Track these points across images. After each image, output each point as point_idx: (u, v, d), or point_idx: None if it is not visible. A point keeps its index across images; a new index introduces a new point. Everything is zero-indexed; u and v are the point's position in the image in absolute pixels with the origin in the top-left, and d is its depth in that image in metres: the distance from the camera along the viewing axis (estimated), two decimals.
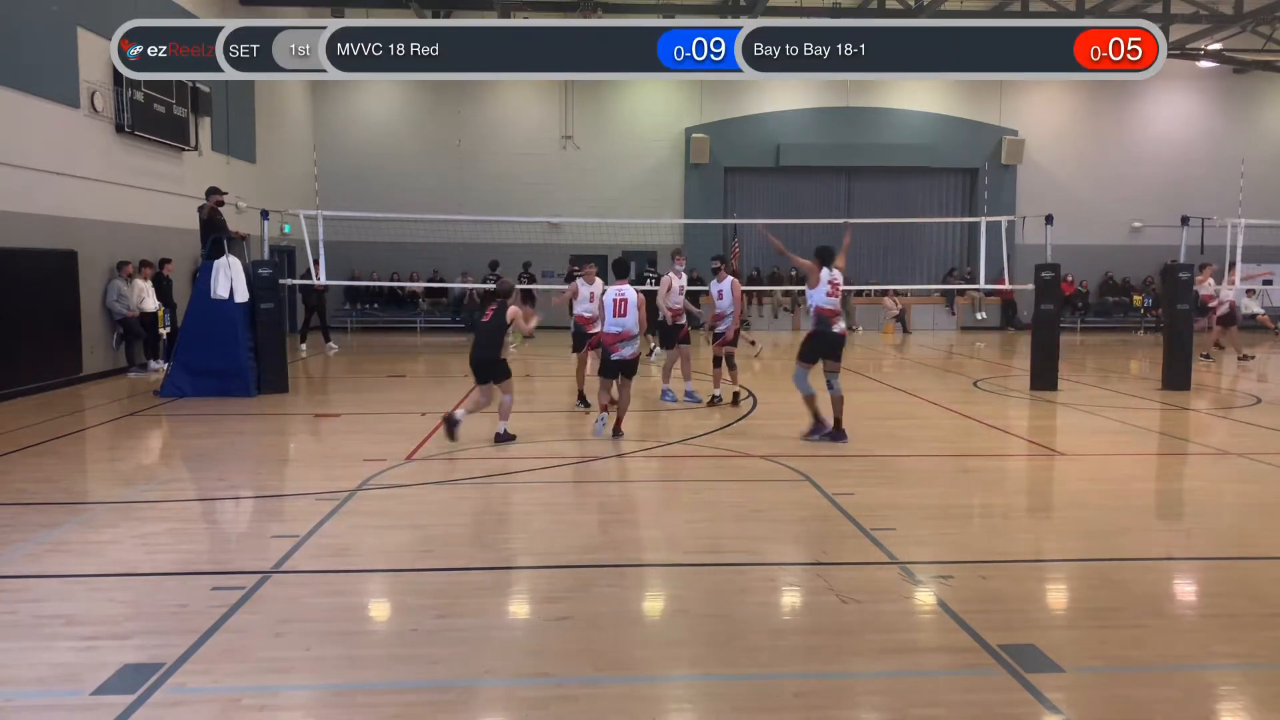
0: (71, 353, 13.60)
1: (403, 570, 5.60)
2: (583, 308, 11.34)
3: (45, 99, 13.15)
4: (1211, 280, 17.03)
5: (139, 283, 15.13)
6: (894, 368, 17.20)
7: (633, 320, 9.45)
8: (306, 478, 8.05)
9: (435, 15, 22.75)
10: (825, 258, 9.29)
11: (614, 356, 9.52)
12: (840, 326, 9.24)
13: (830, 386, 9.29)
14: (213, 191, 13.30)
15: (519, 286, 21.60)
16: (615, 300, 9.49)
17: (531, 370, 16.44)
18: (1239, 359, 17.34)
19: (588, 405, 11.24)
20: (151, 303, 15.21)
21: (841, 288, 9.34)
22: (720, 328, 11.57)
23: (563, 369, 16.26)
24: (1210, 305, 17.56)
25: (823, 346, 9.23)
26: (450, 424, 9.11)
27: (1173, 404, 12.17)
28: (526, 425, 10.25)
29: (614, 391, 9.80)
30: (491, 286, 10.21)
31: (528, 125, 25.61)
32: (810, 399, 9.31)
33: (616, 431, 9.58)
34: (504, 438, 9.24)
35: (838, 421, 9.32)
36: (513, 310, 9.28)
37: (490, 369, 9.22)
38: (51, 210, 13.25)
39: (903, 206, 26.08)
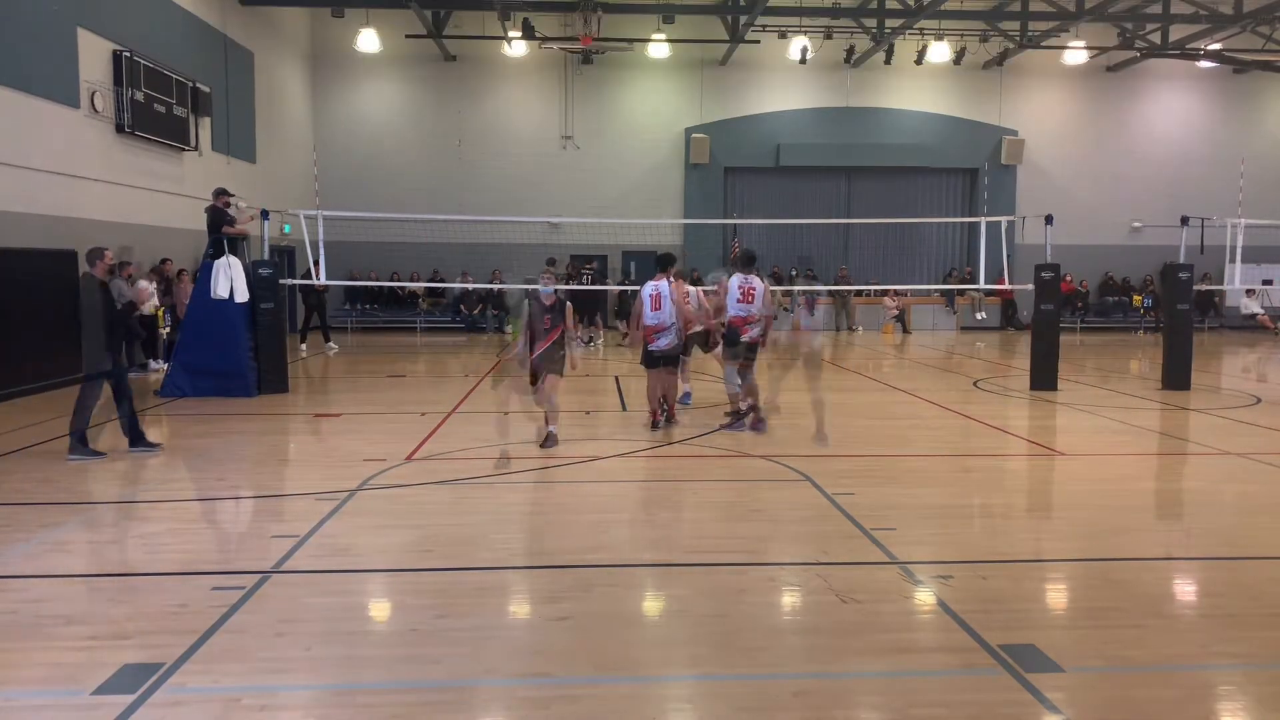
0: (71, 353, 13.56)
1: (403, 570, 5.60)
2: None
3: (45, 99, 13.15)
4: None
5: (143, 284, 15.10)
6: (894, 368, 17.20)
7: (668, 313, 9.72)
8: (306, 478, 8.04)
9: (435, 15, 22.77)
10: (746, 264, 9.80)
11: (651, 347, 9.79)
12: (751, 334, 9.67)
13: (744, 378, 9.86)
14: (221, 193, 13.29)
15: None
16: (651, 295, 9.74)
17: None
18: None
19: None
20: (150, 305, 15.18)
21: (756, 292, 9.64)
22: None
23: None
24: None
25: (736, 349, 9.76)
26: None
27: (1172, 404, 12.17)
28: (526, 424, 10.24)
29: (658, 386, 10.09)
30: (490, 286, 10.34)
31: (528, 125, 25.59)
32: (736, 396, 9.85)
33: (670, 420, 10.04)
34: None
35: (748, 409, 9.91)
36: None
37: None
38: (52, 210, 13.24)
39: (903, 207, 26.06)
